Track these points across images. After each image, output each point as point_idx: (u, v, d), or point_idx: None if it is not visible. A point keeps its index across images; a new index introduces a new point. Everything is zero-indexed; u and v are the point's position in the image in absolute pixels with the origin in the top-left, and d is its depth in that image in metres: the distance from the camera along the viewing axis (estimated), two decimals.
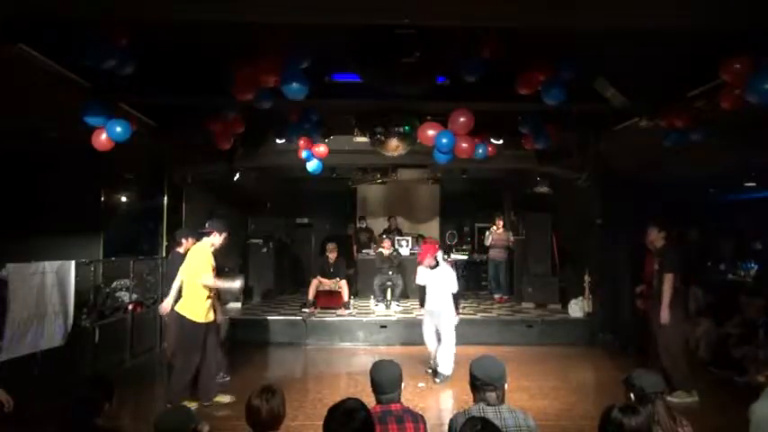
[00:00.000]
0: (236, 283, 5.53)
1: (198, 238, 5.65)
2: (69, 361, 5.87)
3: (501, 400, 2.79)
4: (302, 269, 12.19)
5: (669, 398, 5.69)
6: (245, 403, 2.65)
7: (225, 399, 5.50)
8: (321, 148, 7.34)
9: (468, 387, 2.95)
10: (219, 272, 6.08)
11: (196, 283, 5.19)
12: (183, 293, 5.31)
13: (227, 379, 6.29)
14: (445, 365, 6.33)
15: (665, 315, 5.66)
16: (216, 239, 5.36)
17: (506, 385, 2.84)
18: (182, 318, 5.24)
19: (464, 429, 2.32)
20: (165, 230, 8.29)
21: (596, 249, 8.79)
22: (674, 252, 5.92)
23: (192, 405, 5.25)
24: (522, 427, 2.70)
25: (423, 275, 6.54)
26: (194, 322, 5.20)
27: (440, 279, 6.43)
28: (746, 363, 6.11)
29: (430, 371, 6.60)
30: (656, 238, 5.98)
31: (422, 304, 6.66)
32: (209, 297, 5.27)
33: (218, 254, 6.05)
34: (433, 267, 6.46)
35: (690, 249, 8.70)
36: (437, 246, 6.89)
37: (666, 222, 6.08)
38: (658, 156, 7.03)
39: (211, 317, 5.37)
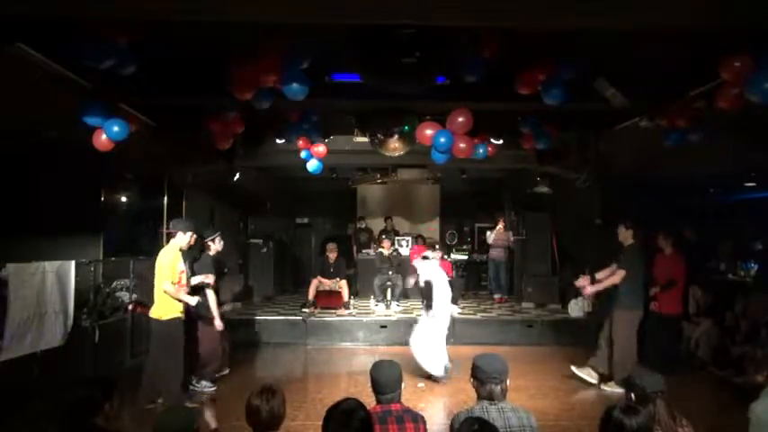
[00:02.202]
0: (193, 300, 5.40)
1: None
2: (69, 361, 5.87)
3: (504, 394, 2.80)
4: (302, 269, 12.21)
5: (603, 386, 6.11)
6: (246, 403, 2.65)
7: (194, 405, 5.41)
8: (320, 148, 7.34)
9: (468, 387, 2.95)
10: (220, 273, 6.14)
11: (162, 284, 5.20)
12: (155, 297, 5.29)
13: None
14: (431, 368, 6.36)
15: (589, 289, 6.15)
16: (182, 240, 5.35)
17: (508, 381, 2.85)
18: (157, 321, 5.23)
19: (462, 429, 2.32)
20: (165, 230, 8.28)
21: (596, 249, 8.78)
22: (636, 252, 6.07)
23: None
24: (525, 426, 2.70)
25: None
26: (170, 320, 5.21)
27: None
28: (745, 362, 6.11)
29: (422, 385, 6.36)
30: (625, 236, 6.11)
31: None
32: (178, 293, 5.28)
33: (217, 254, 6.08)
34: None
35: (689, 249, 8.69)
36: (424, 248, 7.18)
37: (635, 221, 6.22)
38: (658, 156, 7.04)
39: (183, 312, 5.35)
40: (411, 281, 6.93)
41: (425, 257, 6.75)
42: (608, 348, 6.13)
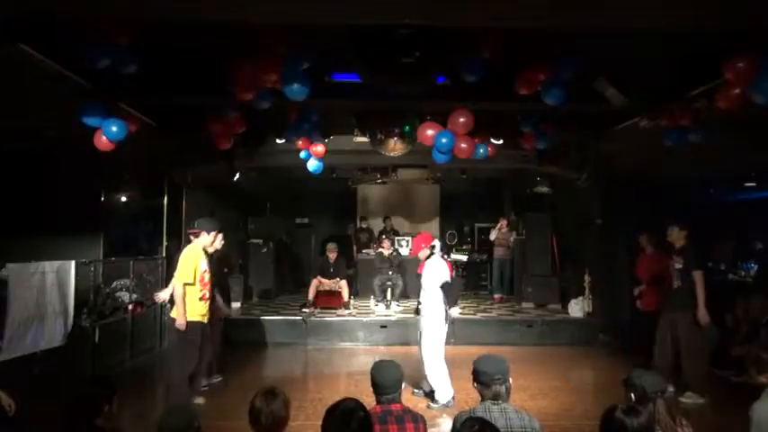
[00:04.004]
0: (181, 320, 4.99)
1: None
2: (69, 361, 5.87)
3: (509, 393, 2.80)
4: (302, 269, 12.19)
5: (681, 398, 5.58)
6: (249, 405, 2.65)
7: (199, 400, 5.35)
8: (319, 148, 7.33)
9: (470, 387, 2.95)
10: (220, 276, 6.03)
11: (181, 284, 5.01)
12: (174, 295, 5.14)
13: (219, 379, 6.26)
14: (438, 391, 5.48)
15: (702, 314, 5.61)
16: (206, 240, 5.20)
17: (511, 380, 2.85)
18: (173, 321, 5.07)
19: (462, 430, 2.32)
20: (165, 230, 8.29)
21: (596, 249, 8.79)
22: (696, 250, 5.90)
23: (200, 401, 5.25)
24: (527, 428, 2.69)
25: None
26: (189, 322, 5.01)
27: (425, 272, 5.68)
28: (747, 363, 6.10)
29: (418, 391, 5.81)
30: (677, 237, 5.96)
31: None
32: (201, 299, 5.07)
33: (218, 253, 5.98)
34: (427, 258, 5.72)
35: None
36: (430, 235, 6.14)
37: (687, 221, 6.04)
38: (658, 156, 7.04)
39: (205, 316, 5.17)
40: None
41: (432, 248, 5.77)
42: (667, 358, 5.81)
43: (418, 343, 5.81)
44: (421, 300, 5.73)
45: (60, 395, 3.93)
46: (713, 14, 3.72)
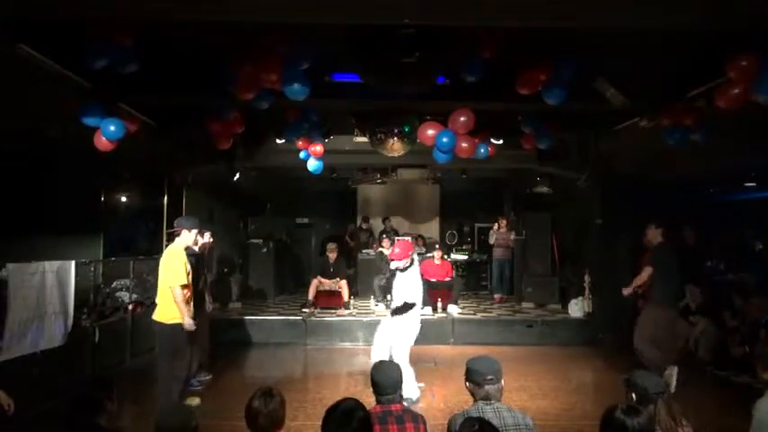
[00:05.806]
0: (188, 319, 4.91)
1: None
2: (69, 361, 5.87)
3: (501, 393, 2.82)
4: (302, 269, 12.20)
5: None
6: (246, 406, 2.65)
7: (194, 401, 5.36)
8: (317, 148, 7.33)
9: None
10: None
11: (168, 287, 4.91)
12: (159, 299, 5.02)
13: (209, 377, 6.24)
14: (406, 387, 5.04)
15: (627, 290, 6.05)
16: (188, 238, 5.13)
17: (503, 381, 2.85)
18: (160, 324, 4.95)
19: (462, 430, 2.32)
20: (165, 230, 8.29)
21: (596, 249, 8.79)
22: (665, 250, 5.98)
23: (194, 401, 5.25)
24: (520, 425, 2.71)
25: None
26: (174, 324, 4.91)
27: (402, 283, 5.52)
28: (754, 360, 6.09)
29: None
30: (654, 235, 6.03)
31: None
32: (187, 301, 4.96)
33: (212, 254, 5.94)
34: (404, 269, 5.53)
35: (686, 248, 8.69)
36: (411, 245, 5.90)
37: (664, 220, 6.12)
38: (658, 156, 7.05)
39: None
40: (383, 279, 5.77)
41: (411, 261, 5.56)
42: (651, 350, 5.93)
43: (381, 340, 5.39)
44: (395, 302, 5.52)
45: (60, 395, 3.93)
46: (713, 14, 3.72)
